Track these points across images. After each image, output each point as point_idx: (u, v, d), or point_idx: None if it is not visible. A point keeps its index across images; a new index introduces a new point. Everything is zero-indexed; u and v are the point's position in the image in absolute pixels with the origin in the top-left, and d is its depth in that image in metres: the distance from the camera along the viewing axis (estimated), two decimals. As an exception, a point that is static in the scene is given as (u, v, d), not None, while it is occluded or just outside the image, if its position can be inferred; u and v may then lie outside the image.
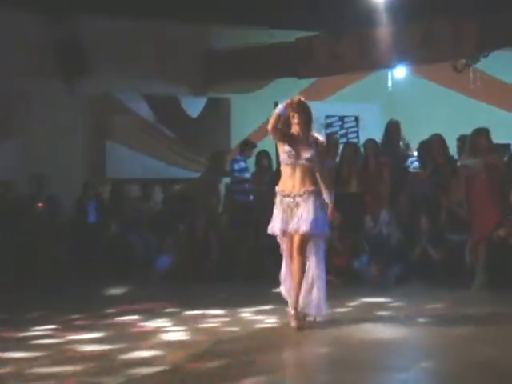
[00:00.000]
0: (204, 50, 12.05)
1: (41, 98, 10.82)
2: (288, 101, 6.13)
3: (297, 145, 6.11)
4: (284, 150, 6.12)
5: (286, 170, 6.16)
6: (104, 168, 11.54)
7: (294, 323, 5.98)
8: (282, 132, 6.14)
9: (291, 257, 6.11)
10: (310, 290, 6.13)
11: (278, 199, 6.15)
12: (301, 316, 6.08)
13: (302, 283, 6.07)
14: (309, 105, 6.24)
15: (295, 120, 6.12)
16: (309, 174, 6.13)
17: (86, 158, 11.52)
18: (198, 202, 10.71)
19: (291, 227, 6.04)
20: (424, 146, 10.10)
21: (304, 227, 5.98)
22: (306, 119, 6.16)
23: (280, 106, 6.11)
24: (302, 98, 6.22)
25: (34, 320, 6.72)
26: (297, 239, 6.05)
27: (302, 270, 6.06)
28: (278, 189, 6.18)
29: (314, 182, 6.15)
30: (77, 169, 11.24)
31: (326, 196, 6.18)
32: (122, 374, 4.76)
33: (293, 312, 6.08)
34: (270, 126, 6.09)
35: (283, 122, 6.16)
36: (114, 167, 11.53)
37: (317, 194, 6.12)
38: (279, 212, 6.10)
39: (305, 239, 6.04)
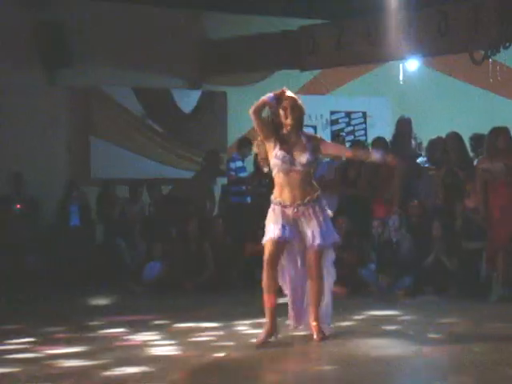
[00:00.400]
0: (199, 38, 12.05)
1: (19, 90, 10.80)
2: (278, 91, 5.99)
3: (290, 148, 5.93)
4: (276, 155, 5.90)
5: (280, 177, 5.94)
6: (88, 167, 11.53)
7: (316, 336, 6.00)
8: (269, 126, 5.94)
9: (291, 268, 6.08)
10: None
11: (275, 210, 5.93)
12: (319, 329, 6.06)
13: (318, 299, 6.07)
14: (301, 102, 6.08)
15: (288, 121, 5.95)
16: (308, 179, 6.00)
17: (69, 156, 11.51)
18: (190, 205, 10.71)
19: (301, 240, 5.95)
20: (436, 145, 10.11)
21: (318, 240, 5.90)
22: (300, 119, 6.03)
23: (269, 94, 5.96)
24: (294, 94, 6.07)
25: (8, 333, 6.70)
26: (313, 255, 5.95)
27: (321, 289, 6.04)
28: (274, 199, 5.97)
29: (315, 187, 6.07)
30: (59, 168, 11.23)
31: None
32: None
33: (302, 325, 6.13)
34: (251, 109, 5.90)
35: (271, 120, 5.98)
36: (99, 166, 11.52)
37: (321, 200, 6.05)
38: (277, 221, 5.92)
39: (321, 253, 6.00)
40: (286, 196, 5.93)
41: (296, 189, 5.93)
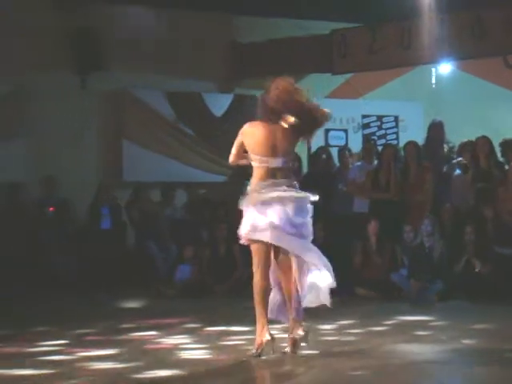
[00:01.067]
0: (230, 42, 12.07)
1: (53, 94, 10.89)
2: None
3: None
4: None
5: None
6: (120, 170, 11.58)
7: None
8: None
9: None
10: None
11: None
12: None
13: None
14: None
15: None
16: None
17: (101, 159, 11.58)
18: (221, 208, 10.72)
19: None
20: (465, 149, 10.04)
21: None
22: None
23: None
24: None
25: (41, 335, 6.75)
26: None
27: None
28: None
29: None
30: (91, 171, 11.29)
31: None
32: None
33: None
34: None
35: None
36: (130, 169, 11.56)
37: None
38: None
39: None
40: None
41: None
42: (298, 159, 10.94)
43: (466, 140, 10.36)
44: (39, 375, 5.20)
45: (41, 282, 9.74)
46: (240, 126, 5.95)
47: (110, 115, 11.59)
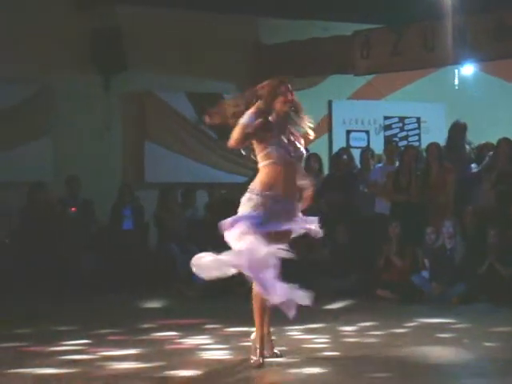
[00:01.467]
0: (252, 43, 12.08)
1: (77, 95, 10.96)
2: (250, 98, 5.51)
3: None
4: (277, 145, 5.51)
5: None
6: (142, 171, 11.63)
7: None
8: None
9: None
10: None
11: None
12: None
13: None
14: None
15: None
16: None
17: (124, 160, 11.63)
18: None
19: None
20: (484, 150, 9.99)
21: None
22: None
23: (247, 117, 5.45)
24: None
25: (63, 334, 6.79)
26: None
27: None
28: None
29: None
30: (113, 172, 11.34)
31: None
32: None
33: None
34: (234, 144, 5.56)
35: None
36: (153, 170, 11.60)
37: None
38: None
39: None
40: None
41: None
42: (319, 160, 10.95)
43: (484, 142, 10.32)
44: (61, 374, 5.24)
45: (64, 281, 9.79)
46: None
47: (133, 116, 11.64)
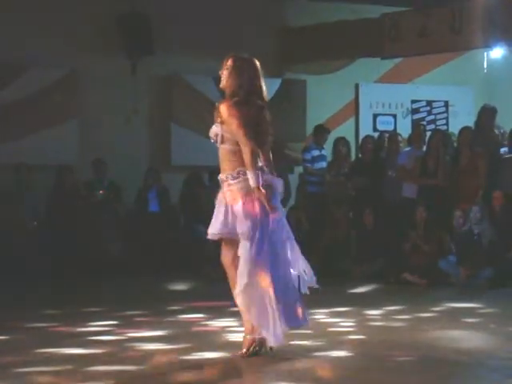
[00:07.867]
0: (279, 26, 12.02)
1: (104, 79, 10.99)
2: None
3: None
4: None
5: None
6: (169, 154, 11.66)
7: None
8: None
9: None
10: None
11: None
12: None
13: None
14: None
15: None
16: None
17: (150, 144, 11.66)
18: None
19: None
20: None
21: None
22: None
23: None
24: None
25: (90, 315, 6.86)
26: None
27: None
28: None
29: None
30: (140, 155, 11.38)
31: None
32: (184, 374, 4.81)
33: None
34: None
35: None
36: (179, 154, 11.62)
37: None
38: None
39: None
40: None
41: None
42: (347, 144, 10.94)
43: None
44: (89, 355, 5.29)
45: (91, 264, 9.86)
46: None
47: (160, 100, 11.66)
